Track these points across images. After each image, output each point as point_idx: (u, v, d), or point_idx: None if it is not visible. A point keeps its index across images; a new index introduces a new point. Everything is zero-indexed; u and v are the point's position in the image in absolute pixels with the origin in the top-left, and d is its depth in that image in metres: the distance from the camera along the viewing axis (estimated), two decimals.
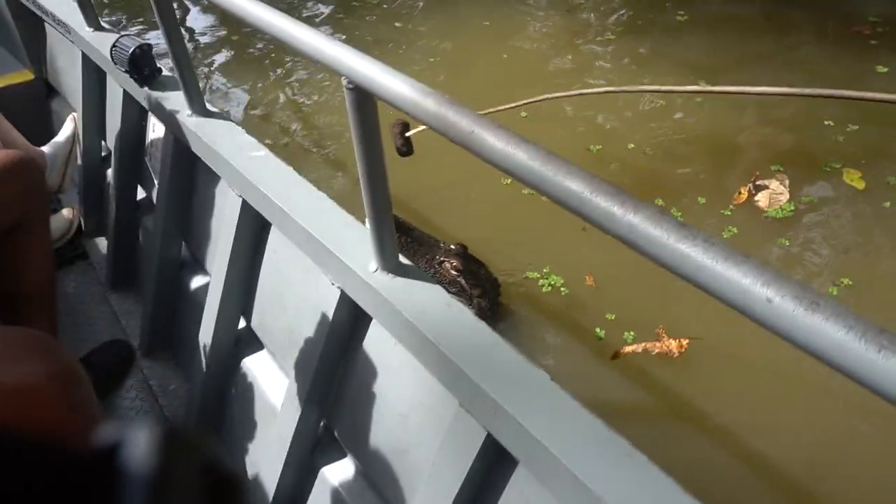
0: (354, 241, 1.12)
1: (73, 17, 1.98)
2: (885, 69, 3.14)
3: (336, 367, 1.24)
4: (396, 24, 3.92)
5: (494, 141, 0.67)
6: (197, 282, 1.77)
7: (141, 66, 1.61)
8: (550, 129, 2.85)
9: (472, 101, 0.75)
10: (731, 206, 2.41)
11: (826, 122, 2.80)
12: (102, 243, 2.23)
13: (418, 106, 0.75)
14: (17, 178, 1.44)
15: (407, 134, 1.01)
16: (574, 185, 0.60)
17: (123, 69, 1.61)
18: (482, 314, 1.93)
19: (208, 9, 4.29)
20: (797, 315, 0.46)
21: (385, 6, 4.18)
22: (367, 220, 1.02)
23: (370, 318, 1.13)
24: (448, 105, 0.73)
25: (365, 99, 0.86)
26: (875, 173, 2.52)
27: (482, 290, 1.97)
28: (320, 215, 1.19)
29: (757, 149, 2.75)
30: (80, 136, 2.15)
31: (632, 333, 1.96)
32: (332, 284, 1.16)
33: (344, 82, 0.86)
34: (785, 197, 2.44)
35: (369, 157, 0.92)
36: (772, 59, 3.34)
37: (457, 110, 0.72)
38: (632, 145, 2.73)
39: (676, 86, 1.08)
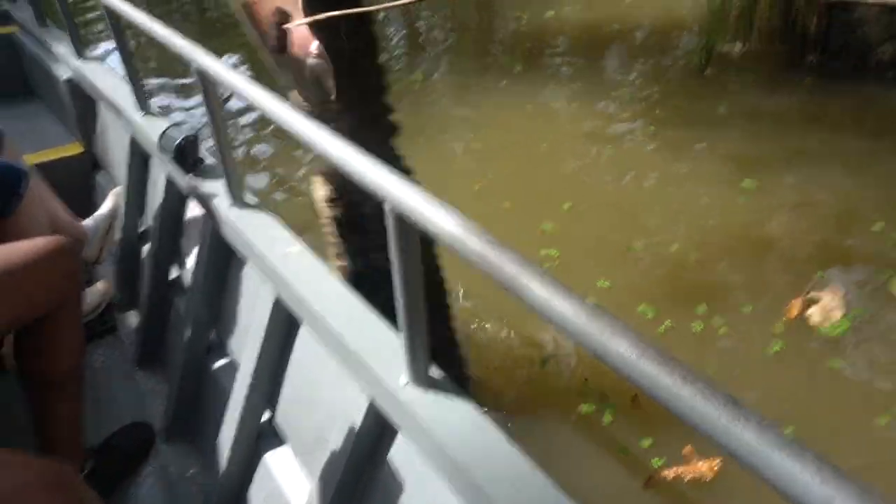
0: (386, 349, 1.10)
1: (126, 100, 2.06)
2: None
3: (361, 475, 1.21)
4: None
5: (540, 290, 0.66)
6: (224, 369, 1.77)
7: (186, 155, 1.66)
8: (594, 221, 2.86)
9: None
10: (782, 320, 2.31)
11: (874, 227, 2.75)
12: (133, 318, 2.25)
13: (462, 243, 0.74)
14: (57, 265, 1.46)
15: (285, 26, 0.96)
16: (621, 347, 0.58)
17: (169, 156, 1.66)
18: None
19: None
20: None
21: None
22: (400, 332, 1.00)
23: (398, 431, 1.11)
24: (493, 246, 0.72)
25: (407, 227, 0.85)
26: None
27: None
28: (352, 319, 1.18)
29: (802, 250, 2.69)
30: (122, 212, 2.21)
31: (661, 459, 1.86)
32: (361, 392, 1.14)
33: (386, 208, 0.86)
34: (839, 312, 2.32)
35: (406, 278, 0.91)
36: (814, 153, 3.31)
37: (501, 252, 0.71)
38: (676, 245, 2.69)
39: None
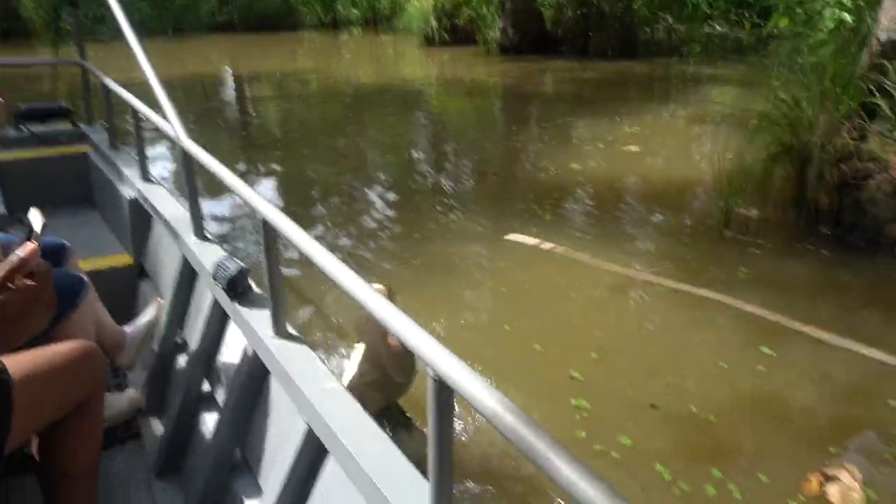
0: (413, 494, 1.13)
1: (182, 223, 2.23)
2: None
3: None
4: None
5: (569, 473, 0.71)
6: (246, 490, 1.76)
7: (237, 285, 1.77)
8: (619, 374, 2.93)
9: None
10: (799, 497, 2.28)
11: (891, 402, 2.75)
12: (158, 427, 2.27)
13: (497, 416, 0.81)
14: (86, 368, 1.55)
15: None
16: None
17: (221, 285, 1.77)
18: None
19: None
20: None
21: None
22: (429, 480, 1.04)
23: None
24: (526, 425, 0.78)
25: (445, 392, 0.93)
26: None
27: None
28: (382, 460, 1.21)
29: (818, 421, 2.69)
30: (162, 323, 2.32)
31: None
32: None
33: (429, 372, 0.93)
34: (858, 494, 2.28)
35: (440, 442, 0.98)
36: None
37: (534, 431, 0.77)
38: (694, 408, 2.71)
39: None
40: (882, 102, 4.13)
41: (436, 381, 0.93)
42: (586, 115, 8.29)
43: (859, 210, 4.25)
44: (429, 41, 15.29)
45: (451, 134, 8.22)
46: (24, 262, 1.03)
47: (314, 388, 1.41)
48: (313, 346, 1.62)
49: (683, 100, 9.32)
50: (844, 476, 2.31)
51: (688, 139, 7.08)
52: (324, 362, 1.56)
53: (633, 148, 6.64)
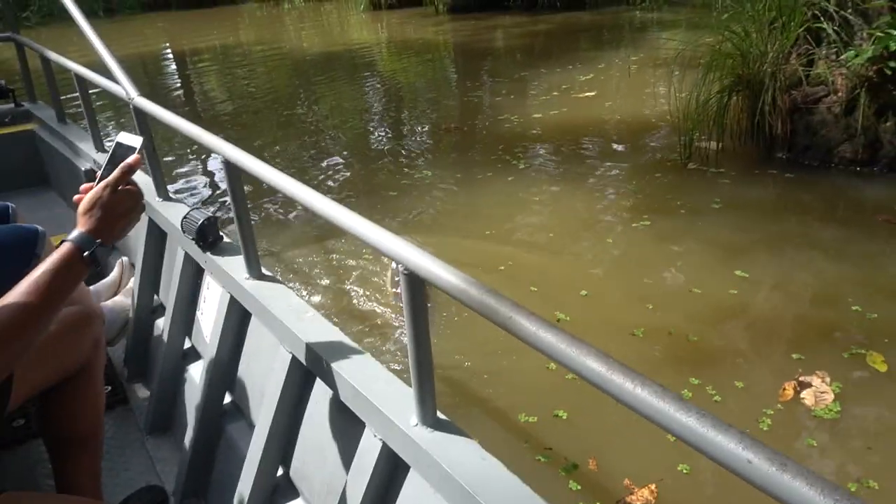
0: (396, 396, 1.19)
1: (144, 186, 2.21)
2: None
3: None
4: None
5: (528, 325, 0.80)
6: (238, 430, 1.80)
7: (206, 234, 1.75)
8: (606, 306, 3.01)
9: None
10: (777, 404, 2.38)
11: (854, 307, 2.89)
12: (143, 390, 2.27)
13: (464, 292, 0.89)
14: (85, 332, 1.54)
15: None
16: (594, 365, 0.73)
17: (191, 237, 1.76)
18: None
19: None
20: (771, 473, 0.56)
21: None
22: (411, 377, 1.10)
23: (409, 470, 1.17)
24: (489, 294, 0.87)
25: (417, 283, 1.00)
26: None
27: None
28: (364, 372, 1.27)
29: (790, 330, 2.81)
30: (136, 289, 2.29)
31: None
32: (375, 436, 1.21)
33: (400, 268, 1.01)
34: (830, 396, 2.40)
35: (417, 329, 1.05)
36: (793, 240, 3.56)
37: (496, 298, 0.86)
38: (672, 330, 2.79)
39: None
40: (826, 26, 4.24)
41: (406, 274, 0.99)
42: (541, 66, 8.29)
43: (811, 132, 4.40)
44: (375, 5, 15.00)
45: (406, 95, 8.14)
46: (133, 164, 1.16)
47: (294, 320, 1.46)
48: (289, 284, 1.65)
49: (634, 45, 9.39)
50: (816, 381, 2.46)
51: (642, 82, 7.16)
52: (300, 296, 1.60)
53: (590, 93, 6.70)
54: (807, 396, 2.40)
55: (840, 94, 4.26)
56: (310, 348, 1.37)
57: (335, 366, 1.30)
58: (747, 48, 4.57)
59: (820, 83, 4.35)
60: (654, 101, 6.32)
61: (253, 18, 17.88)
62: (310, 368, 1.41)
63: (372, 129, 6.59)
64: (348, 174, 5.11)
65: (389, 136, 6.24)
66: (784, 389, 2.43)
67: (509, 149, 5.20)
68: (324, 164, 5.36)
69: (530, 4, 13.02)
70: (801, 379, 2.46)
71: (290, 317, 1.47)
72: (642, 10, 11.93)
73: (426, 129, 6.42)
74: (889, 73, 4.02)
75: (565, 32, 10.96)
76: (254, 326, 1.72)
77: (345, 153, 5.69)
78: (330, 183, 4.90)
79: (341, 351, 1.35)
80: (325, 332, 1.42)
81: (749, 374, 2.53)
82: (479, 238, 3.74)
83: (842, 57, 4.21)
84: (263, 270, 1.67)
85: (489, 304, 0.86)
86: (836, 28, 4.22)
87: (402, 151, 5.60)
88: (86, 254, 1.06)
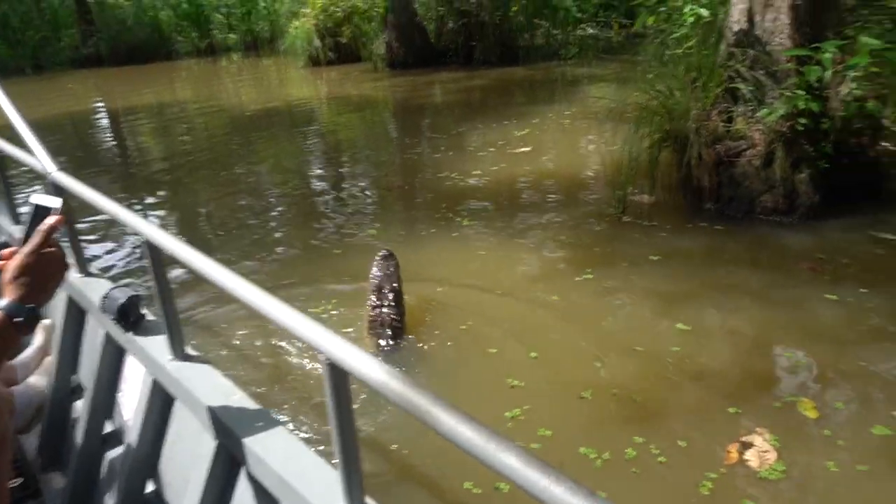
0: (324, 484, 1.17)
1: None
2: (835, 297, 3.46)
3: None
4: None
5: (447, 419, 0.82)
6: None
7: (128, 314, 1.68)
8: (555, 368, 3.01)
9: None
10: (722, 468, 2.38)
11: (785, 352, 3.00)
12: (59, 480, 2.13)
13: (386, 385, 0.90)
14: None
15: None
16: (512, 461, 0.74)
17: (111, 317, 1.69)
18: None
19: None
20: None
21: None
22: (337, 468, 1.09)
23: None
24: (411, 388, 0.88)
25: (339, 375, 1.00)
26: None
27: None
28: (292, 459, 1.25)
29: (725, 381, 2.88)
30: (53, 372, 2.18)
31: None
32: None
33: (322, 359, 1.00)
34: (773, 455, 2.39)
35: (341, 419, 1.04)
36: (724, 287, 3.71)
37: (418, 392, 0.87)
38: (616, 391, 2.81)
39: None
40: (742, 86, 4.53)
41: (329, 365, 0.98)
42: (478, 122, 8.51)
43: (735, 184, 4.64)
44: (314, 61, 15.15)
45: (347, 152, 8.18)
46: (55, 225, 1.17)
47: (220, 405, 1.42)
48: (215, 364, 1.60)
49: (566, 99, 9.78)
50: (758, 440, 2.47)
51: (576, 135, 7.43)
52: (227, 377, 1.56)
53: (526, 149, 6.90)
54: (751, 458, 2.39)
55: (759, 147, 4.52)
56: (236, 434, 1.33)
57: (262, 452, 1.26)
58: (672, 105, 4.83)
59: (740, 138, 4.61)
60: (587, 155, 6.57)
61: (190, 74, 17.76)
62: (236, 455, 1.37)
63: (314, 188, 6.57)
64: (290, 233, 5.05)
65: (332, 195, 6.22)
66: (729, 452, 2.43)
67: (452, 206, 5.27)
68: (265, 224, 5.29)
69: (467, 60, 13.44)
70: (743, 439, 2.47)
71: (216, 400, 1.43)
72: (572, 65, 12.48)
73: (368, 187, 6.44)
74: (800, 128, 4.31)
75: (500, 87, 11.34)
76: (178, 410, 1.67)
77: (286, 213, 5.63)
78: (272, 244, 4.82)
79: (269, 436, 1.32)
80: (253, 415, 1.39)
81: (691, 431, 2.57)
82: (424, 298, 3.73)
83: (757, 114, 4.49)
84: (188, 350, 1.62)
85: (409, 398, 0.86)
86: (750, 88, 4.52)
87: (346, 210, 5.59)
88: (17, 320, 1.07)
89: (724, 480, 2.32)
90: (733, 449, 2.44)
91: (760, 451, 2.41)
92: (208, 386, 1.49)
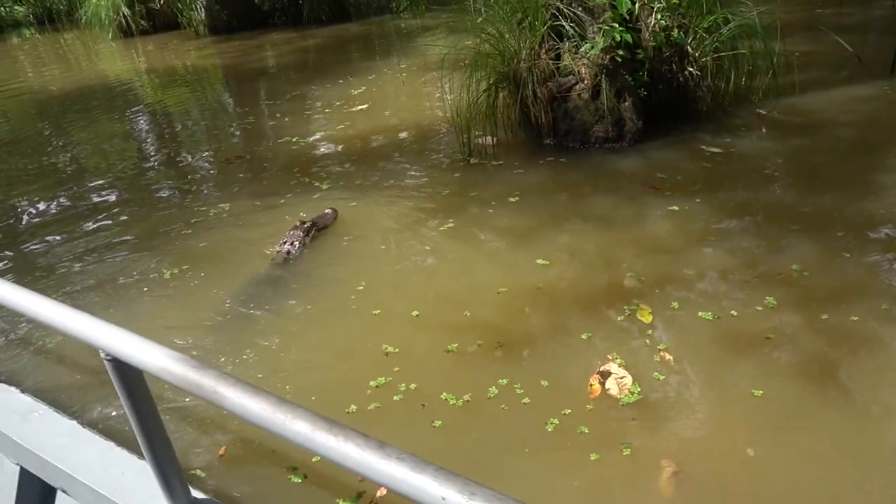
0: (147, 490, 1.10)
1: None
2: (676, 207, 3.79)
3: None
4: None
5: (235, 395, 0.79)
6: None
7: None
8: (430, 333, 2.99)
9: None
10: (589, 403, 2.46)
11: (629, 270, 3.26)
12: None
13: (167, 371, 0.86)
14: None
15: None
16: (301, 427, 0.73)
17: None
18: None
19: None
20: (461, 502, 0.62)
21: None
22: (154, 472, 1.04)
23: None
24: (194, 368, 0.84)
25: (127, 371, 0.94)
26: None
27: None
28: (108, 470, 1.17)
29: (580, 310, 3.05)
30: None
31: None
32: None
33: (102, 355, 0.94)
34: (629, 379, 2.51)
35: (141, 420, 0.98)
36: (570, 215, 3.93)
37: (201, 371, 0.83)
38: (480, 341, 2.86)
39: None
40: (566, 24, 4.75)
41: (115, 364, 0.92)
42: (314, 83, 8.23)
43: (569, 118, 4.90)
44: (124, 32, 13.74)
45: (178, 127, 7.59)
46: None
47: (18, 425, 1.29)
48: (9, 379, 1.43)
49: (402, 52, 9.72)
50: (613, 367, 2.60)
51: (414, 88, 7.42)
52: (25, 393, 1.43)
53: (367, 105, 6.80)
54: (611, 386, 2.51)
55: (586, 81, 4.79)
56: (41, 456, 1.21)
57: (73, 470, 1.16)
58: (504, 48, 4.95)
59: (569, 73, 4.85)
60: (429, 106, 6.60)
61: None
62: (45, 480, 1.25)
63: (145, 169, 6.02)
64: (127, 220, 4.61)
65: (168, 174, 5.75)
66: (591, 385, 2.53)
67: (305, 170, 5.11)
68: (94, 215, 4.78)
69: (296, 20, 12.86)
70: (601, 370, 2.59)
71: (13, 422, 1.29)
72: (405, 18, 12.39)
73: (207, 161, 6.02)
74: (620, 60, 4.61)
75: (334, 46, 11.01)
76: None
77: (118, 199, 5.13)
78: (106, 233, 4.38)
79: (79, 450, 1.21)
80: (59, 431, 1.27)
81: (553, 367, 2.68)
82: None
83: (581, 49, 4.73)
84: None
85: (192, 380, 0.82)
86: (572, 24, 4.74)
87: (187, 188, 5.20)
88: None
89: (594, 415, 2.40)
90: (595, 381, 2.55)
91: (618, 378, 2.54)
92: (2, 407, 1.35)
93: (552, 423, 2.37)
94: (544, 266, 3.38)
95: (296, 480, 2.25)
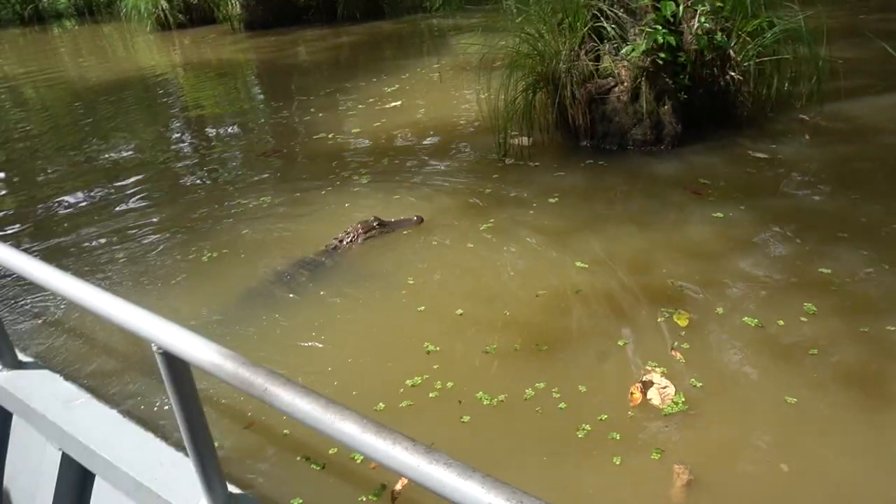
0: (183, 481, 1.13)
1: None
2: (720, 214, 3.75)
3: None
4: None
5: (286, 395, 0.80)
6: None
7: None
8: (470, 333, 2.96)
9: None
10: (629, 411, 2.42)
11: (663, 271, 3.22)
12: None
13: (220, 368, 0.87)
14: None
15: None
16: (351, 428, 0.74)
17: None
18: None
19: None
20: None
21: None
22: (191, 462, 1.05)
23: None
24: (246, 366, 0.85)
25: (177, 364, 0.95)
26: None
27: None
28: (147, 459, 1.19)
29: (619, 315, 3.00)
30: None
31: None
32: None
33: (154, 348, 0.97)
34: (672, 389, 2.47)
35: (186, 412, 1.00)
36: (606, 217, 3.91)
37: (253, 370, 0.85)
38: (518, 343, 2.83)
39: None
40: (607, 25, 4.71)
41: (166, 356, 0.93)
42: (348, 80, 8.28)
43: (607, 120, 4.86)
44: (162, 26, 13.99)
45: (212, 121, 7.68)
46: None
47: (61, 411, 1.33)
48: (54, 367, 1.48)
49: (436, 51, 9.74)
50: (655, 377, 2.55)
51: (449, 87, 7.43)
52: (69, 381, 1.46)
53: (401, 102, 6.82)
54: (653, 396, 2.46)
55: (625, 83, 4.75)
56: (83, 442, 1.25)
57: (112, 458, 1.19)
58: (543, 48, 4.93)
59: (608, 75, 4.81)
60: (463, 105, 6.60)
61: (16, 46, 15.82)
62: (85, 465, 1.29)
63: (182, 162, 6.11)
64: (169, 212, 4.67)
65: (204, 167, 5.83)
66: (632, 394, 2.48)
67: (343, 165, 5.14)
68: (132, 206, 4.86)
69: (330, 17, 12.96)
70: (644, 379, 2.54)
71: (57, 408, 1.33)
72: (438, 17, 12.42)
73: (241, 155, 6.09)
74: (661, 62, 4.56)
75: (368, 43, 11.07)
76: (17, 425, 1.53)
77: (156, 192, 5.20)
78: (147, 226, 4.44)
79: (120, 439, 1.24)
80: (100, 418, 1.30)
81: (592, 373, 2.63)
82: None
83: (622, 52, 4.69)
84: (21, 357, 1.49)
85: (244, 377, 0.83)
86: (613, 26, 4.70)
87: (223, 181, 5.27)
88: None
89: (632, 423, 2.37)
90: (636, 390, 2.51)
91: (660, 388, 2.50)
92: (48, 393, 1.38)
93: (584, 428, 2.34)
94: (584, 269, 3.34)
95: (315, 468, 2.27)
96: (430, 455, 0.67)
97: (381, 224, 3.86)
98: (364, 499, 2.15)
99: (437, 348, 2.83)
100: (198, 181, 5.42)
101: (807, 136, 4.81)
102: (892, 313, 2.78)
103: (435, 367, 2.72)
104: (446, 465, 0.65)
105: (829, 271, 3.10)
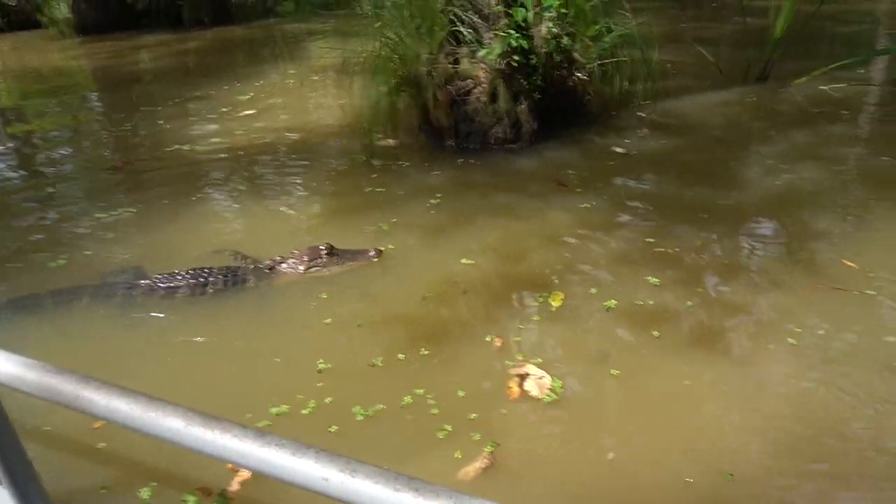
0: None
1: None
2: (588, 205, 4.01)
3: None
4: None
5: (101, 398, 0.74)
6: None
7: None
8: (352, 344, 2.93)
9: None
10: (506, 405, 2.42)
11: (534, 258, 3.38)
12: None
13: (20, 379, 0.79)
14: None
15: None
16: (175, 423, 0.71)
17: None
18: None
19: None
20: (343, 481, 0.64)
21: None
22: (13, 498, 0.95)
23: None
24: (52, 373, 0.78)
25: None
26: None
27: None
28: None
29: (492, 307, 3.10)
30: None
31: None
32: None
33: None
34: (547, 378, 2.49)
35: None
36: (477, 210, 4.07)
37: (60, 377, 0.77)
38: (402, 354, 2.79)
39: None
40: (463, 29, 4.89)
41: None
42: (198, 88, 7.85)
43: (469, 120, 5.05)
44: None
45: (44, 135, 6.94)
46: None
47: None
48: None
49: (290, 56, 9.54)
50: (530, 368, 2.59)
51: (306, 92, 7.32)
52: None
53: (257, 110, 6.62)
54: (531, 388, 2.48)
55: (484, 85, 4.96)
56: None
57: None
58: (403, 52, 5.02)
59: (468, 77, 5.00)
60: (323, 109, 6.54)
61: None
62: None
63: (12, 183, 5.47)
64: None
65: (43, 185, 5.26)
66: (510, 388, 2.49)
67: (200, 177, 4.90)
68: None
69: (175, 21, 12.23)
70: (520, 372, 2.57)
71: None
72: (290, 22, 12.16)
73: (86, 171, 5.56)
74: (516, 64, 4.82)
75: (218, 49, 10.60)
76: None
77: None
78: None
79: None
80: None
81: (474, 371, 2.66)
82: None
83: (479, 54, 4.90)
84: None
85: (50, 386, 0.76)
86: (469, 30, 4.90)
87: (71, 198, 4.80)
88: None
89: (513, 418, 2.40)
90: (514, 384, 2.54)
91: (537, 379, 2.54)
92: None
93: (445, 429, 2.35)
94: (469, 265, 3.44)
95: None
96: (262, 438, 0.64)
97: (331, 254, 3.39)
98: None
99: (329, 365, 2.75)
100: (37, 201, 4.89)
101: (646, 130, 5.32)
102: (723, 276, 3.17)
103: (319, 384, 2.63)
104: (278, 446, 0.63)
105: (670, 246, 3.47)
